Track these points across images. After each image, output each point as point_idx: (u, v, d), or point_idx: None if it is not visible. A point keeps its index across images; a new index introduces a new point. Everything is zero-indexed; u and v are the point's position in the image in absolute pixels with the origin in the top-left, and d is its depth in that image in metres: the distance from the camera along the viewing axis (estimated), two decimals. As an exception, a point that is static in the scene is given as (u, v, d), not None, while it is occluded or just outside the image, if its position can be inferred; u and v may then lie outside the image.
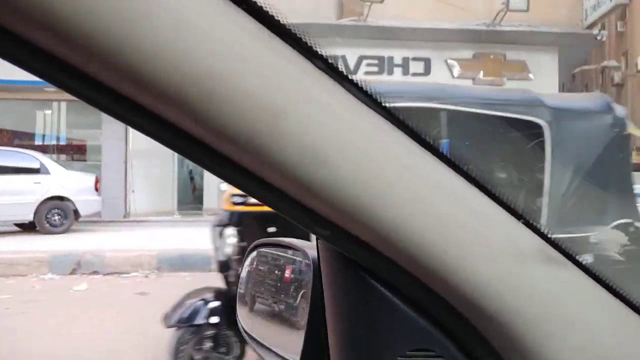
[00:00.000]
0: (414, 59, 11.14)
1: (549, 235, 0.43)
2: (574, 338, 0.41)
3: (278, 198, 0.37)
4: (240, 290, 0.85)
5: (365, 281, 0.42)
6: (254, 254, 0.84)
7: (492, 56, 11.33)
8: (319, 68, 0.35)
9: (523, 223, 0.42)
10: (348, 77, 0.37)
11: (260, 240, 0.85)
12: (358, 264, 0.42)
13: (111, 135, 11.92)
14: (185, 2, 0.30)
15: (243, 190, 0.38)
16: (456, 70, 11.40)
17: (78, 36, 0.28)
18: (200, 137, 0.34)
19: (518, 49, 11.44)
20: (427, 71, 11.22)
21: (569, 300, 0.42)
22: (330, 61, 0.36)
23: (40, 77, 0.31)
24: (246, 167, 0.36)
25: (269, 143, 0.33)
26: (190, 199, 15.17)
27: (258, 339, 0.74)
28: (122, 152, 12.24)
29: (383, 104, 0.38)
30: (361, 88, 0.37)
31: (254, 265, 0.84)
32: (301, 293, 0.65)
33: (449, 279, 0.39)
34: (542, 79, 11.45)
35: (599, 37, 11.53)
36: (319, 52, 0.35)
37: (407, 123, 0.39)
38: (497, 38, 11.08)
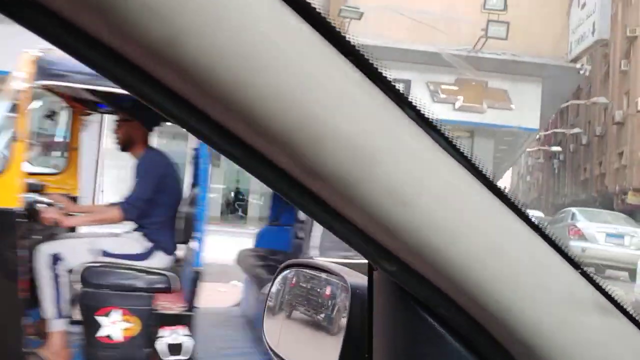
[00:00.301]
0: (395, 80, 10.96)
1: (603, 286, 0.44)
2: None
3: (351, 232, 0.39)
4: (270, 306, 0.84)
5: (420, 315, 0.43)
6: (288, 272, 0.83)
7: (473, 83, 11.18)
8: (409, 116, 0.37)
9: (580, 273, 0.42)
10: (436, 127, 0.38)
11: (294, 260, 0.86)
12: (414, 298, 0.43)
13: (85, 134, 11.78)
14: (296, 49, 0.32)
15: (323, 225, 0.40)
16: (436, 94, 11.25)
17: (140, 36, 0.29)
18: (294, 175, 0.36)
19: (501, 77, 11.30)
20: (407, 93, 11.05)
21: (622, 352, 0.43)
22: (419, 109, 0.37)
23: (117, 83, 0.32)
24: (329, 203, 0.37)
25: (359, 184, 0.35)
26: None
27: (284, 357, 0.72)
28: (94, 152, 12.11)
29: (465, 154, 0.39)
30: (446, 137, 0.38)
31: (287, 284, 0.83)
32: (335, 318, 0.64)
33: (505, 322, 0.40)
34: (524, 109, 11.29)
35: (582, 72, 11.33)
36: (410, 101, 0.37)
37: (485, 173, 0.40)
38: (480, 65, 10.94)
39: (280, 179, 0.36)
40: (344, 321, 0.58)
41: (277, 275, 0.84)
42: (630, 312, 0.44)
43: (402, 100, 0.37)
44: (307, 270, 0.79)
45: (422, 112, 0.37)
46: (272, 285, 0.84)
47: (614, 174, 29.66)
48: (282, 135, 0.32)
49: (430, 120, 0.38)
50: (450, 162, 0.38)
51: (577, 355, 0.41)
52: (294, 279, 0.81)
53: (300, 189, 0.37)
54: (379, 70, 0.35)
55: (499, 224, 0.40)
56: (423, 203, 0.36)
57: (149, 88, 0.32)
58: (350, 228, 0.39)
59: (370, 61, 0.35)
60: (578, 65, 11.14)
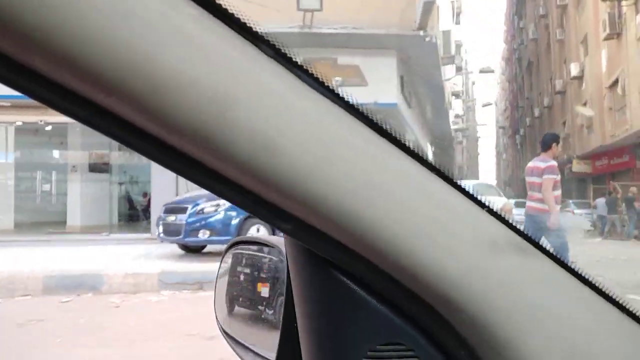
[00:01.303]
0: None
1: (512, 224, 0.42)
2: (545, 328, 0.41)
3: (237, 192, 0.36)
4: (218, 289, 0.83)
5: (333, 276, 0.42)
6: (230, 252, 0.83)
7: (322, 61, 10.72)
8: (268, 55, 0.34)
9: (487, 212, 0.41)
10: (297, 63, 0.35)
11: (237, 237, 0.86)
12: (325, 259, 0.41)
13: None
14: None
15: (200, 186, 0.37)
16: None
17: (18, 28, 0.27)
18: (149, 130, 0.33)
19: (351, 53, 10.84)
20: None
21: (539, 290, 0.42)
22: (277, 47, 0.34)
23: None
24: (200, 161, 0.34)
25: (218, 134, 0.32)
26: (126, 217, 14.96)
27: (236, 338, 0.73)
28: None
29: (333, 89, 0.37)
30: (310, 73, 0.36)
31: (231, 264, 0.83)
32: (277, 290, 0.64)
33: (416, 271, 0.38)
34: (379, 84, 10.84)
35: (427, 39, 10.85)
36: (266, 38, 0.34)
37: (361, 109, 0.37)
38: (322, 41, 10.47)
39: (140, 139, 0.33)
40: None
41: (224, 254, 0.83)
42: (549, 250, 0.43)
43: (256, 38, 0.33)
44: (251, 246, 0.79)
45: (281, 48, 0.34)
46: (220, 264, 0.84)
47: (561, 143, 29.26)
48: (119, 83, 0.29)
49: (291, 56, 0.35)
50: (321, 100, 0.35)
51: (490, 297, 0.39)
52: (238, 257, 0.81)
53: (165, 149, 0.34)
54: (224, 6, 0.32)
55: (388, 166, 0.37)
56: (294, 147, 0.33)
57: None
58: (232, 187, 0.36)
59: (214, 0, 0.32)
60: (422, 33, 10.66)
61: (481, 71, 27.32)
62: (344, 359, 0.42)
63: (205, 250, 8.20)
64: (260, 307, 0.71)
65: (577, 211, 21.21)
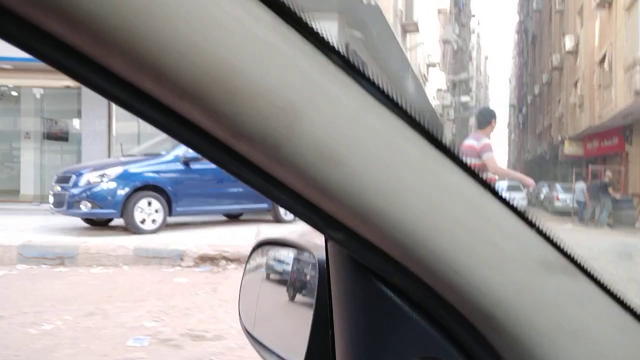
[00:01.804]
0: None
1: (560, 245, 0.42)
2: (582, 351, 0.40)
3: (292, 199, 0.37)
4: (243, 289, 0.83)
5: (375, 286, 0.41)
6: (259, 251, 0.81)
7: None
8: (336, 64, 0.33)
9: (536, 231, 0.41)
10: (365, 75, 0.35)
11: (265, 237, 0.82)
12: (368, 269, 0.41)
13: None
14: None
15: (257, 190, 0.37)
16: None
17: (99, 30, 0.28)
18: (215, 134, 0.33)
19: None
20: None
21: (578, 312, 0.41)
22: (346, 57, 0.34)
23: (55, 66, 0.31)
24: (261, 166, 0.35)
25: (284, 142, 0.32)
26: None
27: (260, 340, 0.71)
28: None
29: (400, 104, 0.36)
30: (378, 86, 0.35)
31: (257, 264, 0.81)
32: (306, 294, 0.63)
33: (458, 286, 0.38)
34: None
35: (366, 1, 10.01)
36: (336, 47, 0.34)
37: (424, 124, 0.37)
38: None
39: (204, 141, 0.34)
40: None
41: (250, 254, 0.82)
42: (592, 273, 0.42)
43: (326, 46, 0.33)
44: (278, 248, 0.77)
45: (349, 59, 0.34)
46: (246, 265, 0.83)
47: (557, 123, 28.10)
48: (194, 90, 0.30)
49: (359, 67, 0.34)
50: (386, 114, 0.35)
51: (534, 318, 0.39)
52: (266, 257, 0.79)
53: (228, 153, 0.34)
54: (297, 13, 0.32)
55: (443, 181, 0.37)
56: (356, 159, 0.33)
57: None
58: (289, 194, 0.36)
59: (287, 5, 0.32)
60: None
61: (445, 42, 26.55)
62: None
63: (112, 223, 7.75)
64: (287, 309, 0.70)
65: (561, 195, 20.42)
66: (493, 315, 0.38)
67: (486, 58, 64.46)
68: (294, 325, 0.63)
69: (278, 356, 0.65)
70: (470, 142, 4.82)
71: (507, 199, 0.40)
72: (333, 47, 0.33)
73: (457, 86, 37.99)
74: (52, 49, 0.30)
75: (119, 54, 0.28)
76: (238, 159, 0.34)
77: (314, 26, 0.32)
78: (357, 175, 0.33)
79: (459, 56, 40.02)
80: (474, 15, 50.62)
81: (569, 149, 24.09)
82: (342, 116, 0.32)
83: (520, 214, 0.40)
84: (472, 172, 0.38)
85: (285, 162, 0.33)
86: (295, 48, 0.31)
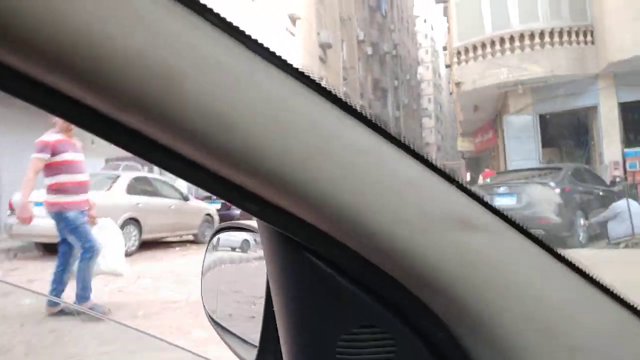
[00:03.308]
0: None
1: (483, 200, 0.41)
2: (520, 305, 0.40)
3: (199, 173, 0.34)
4: (204, 275, 0.83)
5: (307, 260, 0.41)
6: (216, 238, 0.81)
7: None
8: (214, 24, 0.32)
9: (457, 187, 0.40)
10: (244, 32, 0.33)
11: (224, 223, 0.84)
12: (298, 243, 0.40)
13: None
14: None
15: (160, 167, 0.34)
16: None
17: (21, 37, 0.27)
18: (100, 109, 0.31)
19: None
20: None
21: (511, 267, 0.41)
22: (222, 16, 0.32)
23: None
24: (158, 141, 0.33)
25: (168, 108, 0.30)
26: None
27: (223, 325, 0.73)
28: None
29: (290, 64, 0.34)
30: (259, 43, 0.33)
31: (216, 251, 0.82)
32: (259, 276, 0.62)
33: (385, 249, 0.37)
34: None
35: None
36: (209, 7, 0.32)
37: (319, 82, 0.35)
38: None
39: (90, 118, 0.31)
40: None
41: (210, 241, 0.82)
42: (522, 226, 0.42)
43: (197, 6, 0.31)
44: (236, 232, 0.78)
45: (225, 18, 0.32)
46: (206, 252, 0.82)
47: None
48: (64, 61, 0.28)
49: (238, 26, 0.33)
50: (276, 74, 0.33)
51: (467, 278, 0.39)
52: (223, 244, 0.81)
53: (121, 130, 0.32)
54: None
55: (351, 143, 0.35)
56: (249, 125, 0.32)
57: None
58: (195, 168, 0.34)
59: None
60: None
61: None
62: (320, 342, 0.42)
63: None
64: (244, 293, 0.73)
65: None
66: (423, 276, 0.38)
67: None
68: (249, 304, 0.65)
69: (240, 338, 0.66)
70: (42, 137, 4.01)
71: (426, 156, 0.39)
72: (206, 6, 0.32)
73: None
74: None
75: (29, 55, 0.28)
76: (133, 135, 0.32)
77: None
78: (252, 140, 0.32)
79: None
80: None
81: (462, 144, 25.27)
82: (228, 79, 0.31)
83: (440, 171, 0.39)
84: (383, 132, 0.37)
85: (175, 132, 0.31)
86: (166, 11, 0.30)
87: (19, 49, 0.28)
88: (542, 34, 13.51)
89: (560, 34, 13.49)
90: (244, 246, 0.77)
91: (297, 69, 0.35)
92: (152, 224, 8.73)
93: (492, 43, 13.95)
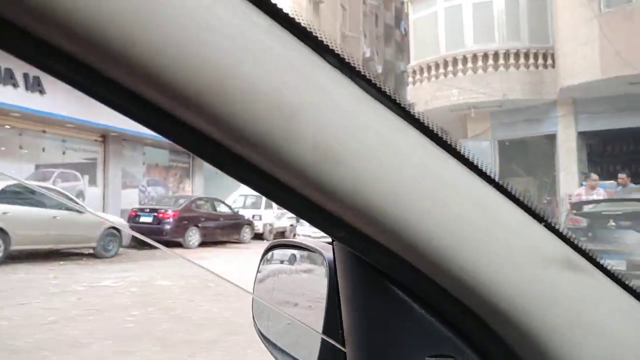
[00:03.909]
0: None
1: (571, 240, 0.41)
2: (598, 346, 0.40)
3: (292, 199, 0.36)
4: (256, 291, 0.82)
5: (383, 285, 0.41)
6: (270, 254, 0.82)
7: None
8: (331, 64, 0.34)
9: (545, 227, 0.40)
10: (361, 74, 0.35)
11: (276, 240, 0.85)
12: (376, 268, 0.41)
13: None
14: (201, 1, 0.30)
15: (258, 192, 0.37)
16: None
17: (98, 39, 0.28)
18: (215, 138, 0.33)
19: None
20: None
21: (593, 308, 0.40)
22: (342, 56, 0.34)
23: (65, 81, 0.31)
24: (261, 168, 0.35)
25: (282, 143, 0.32)
26: None
27: (275, 342, 0.72)
28: None
29: (397, 101, 0.36)
30: (375, 85, 0.35)
31: (269, 267, 0.82)
32: (317, 296, 0.61)
33: (467, 283, 0.37)
34: None
35: None
36: (331, 47, 0.34)
37: (423, 121, 0.37)
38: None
39: (204, 145, 0.34)
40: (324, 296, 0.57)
41: (263, 257, 0.83)
42: (606, 267, 0.42)
43: (322, 47, 0.34)
44: (290, 250, 0.80)
45: (345, 58, 0.34)
46: (258, 267, 0.83)
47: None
48: (191, 94, 0.30)
49: (355, 66, 0.35)
50: (383, 112, 0.35)
51: (545, 314, 0.39)
52: (277, 260, 0.81)
53: (229, 156, 0.34)
54: (291, 16, 0.33)
55: (445, 178, 0.37)
56: (353, 159, 0.34)
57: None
58: (289, 194, 0.36)
59: (280, 7, 0.32)
60: None
61: None
62: None
63: None
64: (299, 311, 0.71)
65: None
66: (503, 310, 0.38)
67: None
68: (306, 326, 0.63)
69: (292, 357, 0.66)
70: None
71: (513, 193, 0.39)
72: (328, 47, 0.33)
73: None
74: (54, 61, 0.30)
75: (117, 62, 0.29)
76: (239, 162, 0.34)
77: (309, 28, 0.33)
78: (355, 173, 0.33)
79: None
80: None
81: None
82: (340, 115, 0.33)
83: (528, 209, 0.39)
84: (476, 169, 0.38)
85: (284, 163, 0.33)
86: (291, 50, 0.32)
87: (165, 90, 0.30)
88: (496, 55, 12.78)
89: (517, 55, 12.73)
90: (291, 260, 0.78)
91: (412, 112, 0.36)
92: (24, 234, 8.58)
93: (445, 63, 13.31)
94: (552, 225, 0.40)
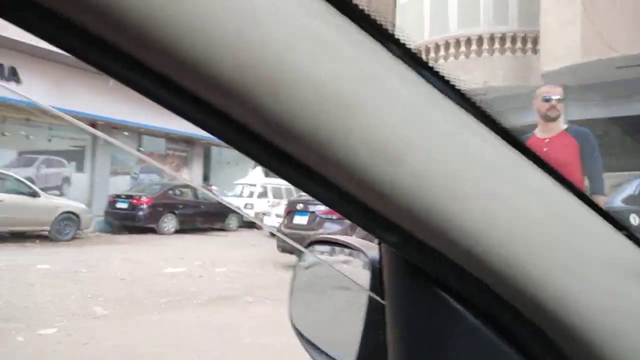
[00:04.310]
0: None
1: None
2: None
3: (342, 200, 0.34)
4: (294, 288, 0.81)
5: (433, 290, 0.39)
6: (309, 251, 0.80)
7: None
8: (394, 54, 0.31)
9: (625, 235, 0.38)
10: (427, 65, 0.33)
11: (317, 237, 0.83)
12: (425, 272, 0.39)
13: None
14: None
15: (305, 192, 0.35)
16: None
17: (140, 29, 0.26)
18: (263, 135, 0.31)
19: None
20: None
21: None
22: (407, 46, 0.32)
23: (111, 75, 0.30)
24: (311, 166, 0.32)
25: (334, 139, 0.30)
26: None
27: (311, 340, 0.71)
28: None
29: (469, 98, 0.34)
30: (442, 77, 0.33)
31: (309, 263, 0.82)
32: (359, 295, 0.58)
33: (532, 293, 0.35)
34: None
35: None
36: (395, 36, 0.31)
37: (494, 117, 0.34)
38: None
39: (251, 142, 0.32)
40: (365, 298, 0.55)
41: (302, 254, 0.83)
42: None
43: (383, 35, 0.31)
44: (331, 247, 0.77)
45: (409, 48, 0.32)
46: (297, 264, 0.83)
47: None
48: (238, 86, 0.28)
49: (421, 57, 0.32)
50: (449, 106, 0.33)
51: (621, 329, 0.35)
52: (318, 257, 0.79)
53: (277, 153, 0.32)
54: (352, 2, 0.30)
55: (516, 179, 0.34)
56: (415, 160, 0.31)
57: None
58: (339, 195, 0.34)
59: None
60: None
61: None
62: None
63: None
64: (339, 310, 0.69)
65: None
66: (571, 325, 0.34)
67: None
68: (345, 326, 0.61)
69: (329, 356, 0.64)
70: None
71: (590, 198, 0.36)
72: (392, 35, 0.30)
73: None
74: (91, 49, 0.28)
75: (159, 51, 0.26)
76: (287, 160, 0.32)
77: (371, 15, 0.30)
78: (417, 175, 0.31)
79: None
80: None
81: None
82: (401, 110, 0.30)
83: (607, 216, 0.36)
84: (551, 171, 0.35)
85: (336, 160, 0.30)
86: (348, 38, 0.29)
87: (204, 82, 0.28)
88: (480, 40, 11.98)
89: (503, 39, 11.87)
90: (331, 256, 0.76)
91: (482, 107, 0.33)
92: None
93: (427, 50, 12.62)
94: (632, 232, 0.37)
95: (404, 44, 0.31)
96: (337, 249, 0.73)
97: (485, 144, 0.33)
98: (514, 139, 0.34)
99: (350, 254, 0.67)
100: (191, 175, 17.18)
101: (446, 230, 0.33)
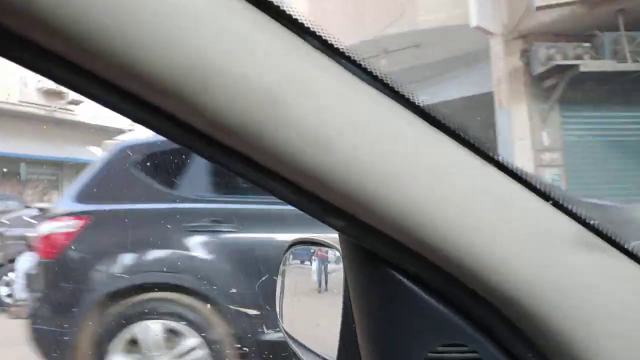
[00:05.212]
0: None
1: (589, 221, 0.40)
2: (622, 329, 0.38)
3: (286, 188, 0.36)
4: (280, 289, 0.84)
5: (390, 275, 0.40)
6: (290, 252, 0.83)
7: None
8: (315, 47, 0.33)
9: (552, 205, 0.39)
10: (344, 54, 0.34)
11: (297, 238, 0.82)
12: (381, 258, 0.40)
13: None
14: None
15: (249, 182, 0.36)
16: None
17: (75, 34, 0.28)
18: (200, 129, 0.33)
19: None
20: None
21: (614, 290, 0.39)
22: (324, 38, 0.34)
23: (46, 76, 0.31)
24: (249, 157, 0.34)
25: (265, 130, 0.32)
26: None
27: (298, 339, 0.73)
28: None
29: (381, 79, 0.35)
30: (363, 67, 0.35)
31: (291, 264, 0.83)
32: (335, 291, 0.61)
33: (478, 270, 0.37)
34: None
35: None
36: (312, 29, 0.33)
37: (412, 99, 0.36)
38: None
39: (188, 135, 0.33)
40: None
41: (284, 254, 0.83)
42: (624, 245, 0.40)
43: (300, 28, 0.33)
44: (311, 247, 0.78)
45: (328, 40, 0.33)
46: (281, 266, 0.84)
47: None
48: (169, 83, 0.29)
49: (339, 48, 0.34)
50: (374, 95, 0.34)
51: (565, 300, 0.37)
52: (298, 257, 0.81)
53: (214, 145, 0.33)
54: (271, 1, 0.32)
55: (444, 159, 0.36)
56: (345, 146, 0.33)
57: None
58: (282, 183, 0.35)
59: None
60: None
61: None
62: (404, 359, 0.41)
63: None
64: (321, 308, 0.70)
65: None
66: (516, 297, 0.36)
67: None
68: (328, 322, 0.60)
69: (315, 354, 0.64)
70: None
71: (516, 170, 0.37)
72: (310, 29, 0.32)
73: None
74: (33, 56, 0.29)
75: (95, 55, 0.28)
76: (225, 151, 0.33)
77: (290, 12, 0.32)
78: (348, 160, 0.32)
79: None
80: None
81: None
82: (326, 100, 0.32)
83: (534, 187, 0.37)
84: (472, 145, 0.36)
85: (270, 151, 0.32)
86: (270, 35, 0.31)
87: (139, 81, 0.30)
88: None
89: None
90: (311, 256, 0.78)
91: (403, 93, 0.35)
92: None
93: None
94: (561, 203, 0.38)
95: (322, 37, 0.32)
96: (316, 248, 0.74)
97: (408, 126, 0.34)
98: (438, 121, 0.35)
99: (327, 252, 0.69)
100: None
101: (385, 210, 0.34)
